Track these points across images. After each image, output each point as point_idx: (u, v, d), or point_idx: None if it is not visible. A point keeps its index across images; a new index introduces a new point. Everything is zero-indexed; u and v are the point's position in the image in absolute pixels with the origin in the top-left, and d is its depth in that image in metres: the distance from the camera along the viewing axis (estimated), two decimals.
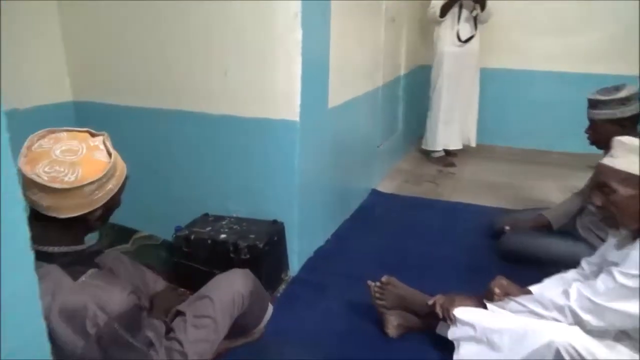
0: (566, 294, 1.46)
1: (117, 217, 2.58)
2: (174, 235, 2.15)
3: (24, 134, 1.17)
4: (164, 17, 2.19)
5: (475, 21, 3.84)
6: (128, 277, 1.66)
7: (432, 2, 3.82)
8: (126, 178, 1.27)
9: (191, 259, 2.11)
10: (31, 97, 2.27)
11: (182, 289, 2.07)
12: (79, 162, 1.13)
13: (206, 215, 2.29)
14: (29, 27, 2.25)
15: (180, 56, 2.22)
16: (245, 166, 2.23)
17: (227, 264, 2.03)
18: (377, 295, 1.87)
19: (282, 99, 2.09)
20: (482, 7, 3.76)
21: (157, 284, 1.73)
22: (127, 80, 2.38)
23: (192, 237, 2.09)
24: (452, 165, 4.09)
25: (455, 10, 3.79)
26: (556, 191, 3.48)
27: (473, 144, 4.24)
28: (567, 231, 2.35)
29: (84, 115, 2.48)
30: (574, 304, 1.42)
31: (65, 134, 1.18)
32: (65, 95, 2.48)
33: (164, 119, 2.33)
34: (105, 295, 1.13)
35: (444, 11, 3.77)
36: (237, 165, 2.25)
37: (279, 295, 2.14)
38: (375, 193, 3.37)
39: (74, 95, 2.51)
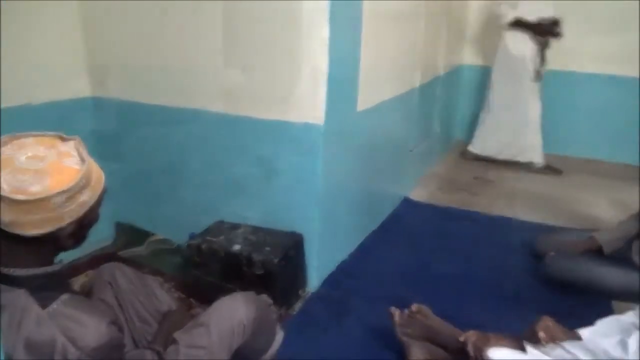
0: (623, 344, 1.23)
1: (133, 218, 2.56)
2: (187, 244, 2.02)
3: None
4: (184, 13, 2.05)
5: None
6: (129, 292, 1.53)
7: (502, 5, 3.69)
8: (104, 190, 1.10)
9: (203, 270, 1.98)
10: (48, 91, 2.19)
11: (197, 308, 1.94)
12: (45, 170, 0.97)
13: (221, 222, 2.15)
14: (48, 21, 2.16)
15: (200, 53, 2.08)
16: (264, 171, 2.08)
17: (240, 278, 1.89)
18: (402, 323, 1.68)
19: (306, 100, 1.91)
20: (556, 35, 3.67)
21: (168, 301, 1.59)
22: (145, 77, 2.26)
23: (204, 246, 1.95)
24: (483, 178, 3.79)
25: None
26: (606, 206, 3.19)
27: (537, 160, 3.91)
28: (621, 257, 2.09)
29: (103, 112, 2.39)
30: (633, 357, 1.20)
31: (31, 139, 1.03)
32: (83, 90, 2.39)
33: (180, 117, 2.20)
34: (78, 327, 0.98)
35: (515, 25, 3.67)
36: (256, 170, 2.09)
37: (294, 313, 1.97)
38: (406, 202, 3.15)
39: (92, 90, 2.41)
